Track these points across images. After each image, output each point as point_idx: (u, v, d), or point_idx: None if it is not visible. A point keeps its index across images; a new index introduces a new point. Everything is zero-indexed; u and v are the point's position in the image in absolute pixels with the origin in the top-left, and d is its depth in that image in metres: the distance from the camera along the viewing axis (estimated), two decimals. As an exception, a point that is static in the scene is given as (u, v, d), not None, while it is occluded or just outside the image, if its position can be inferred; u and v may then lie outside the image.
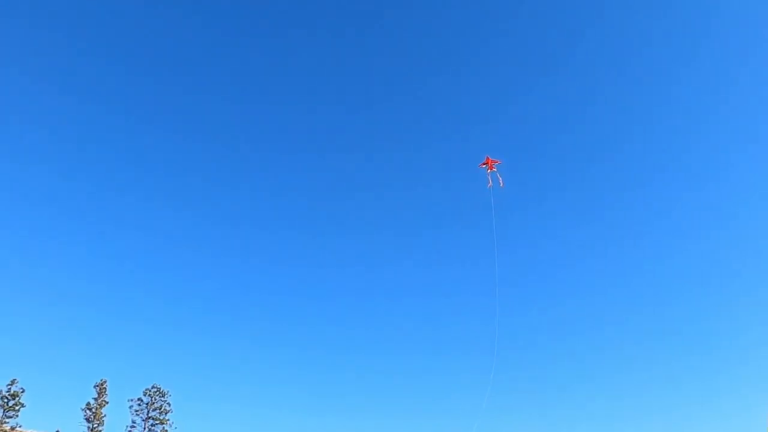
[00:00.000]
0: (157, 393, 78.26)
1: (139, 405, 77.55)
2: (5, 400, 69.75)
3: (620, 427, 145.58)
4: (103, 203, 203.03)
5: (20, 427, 72.29)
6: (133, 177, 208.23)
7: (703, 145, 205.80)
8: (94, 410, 74.48)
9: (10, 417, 69.73)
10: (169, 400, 78.82)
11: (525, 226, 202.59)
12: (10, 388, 70.46)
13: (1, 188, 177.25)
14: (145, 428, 76.61)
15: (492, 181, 38.57)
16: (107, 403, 75.77)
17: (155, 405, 77.85)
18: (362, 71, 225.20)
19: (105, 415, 75.17)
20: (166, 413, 77.71)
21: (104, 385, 76.27)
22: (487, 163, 38.63)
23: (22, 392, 70.87)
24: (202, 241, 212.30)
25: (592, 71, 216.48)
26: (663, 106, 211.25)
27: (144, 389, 78.47)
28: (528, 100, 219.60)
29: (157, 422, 76.88)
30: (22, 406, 70.64)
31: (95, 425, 73.93)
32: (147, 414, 77.24)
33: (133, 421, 76.76)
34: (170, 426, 77.67)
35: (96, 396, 75.48)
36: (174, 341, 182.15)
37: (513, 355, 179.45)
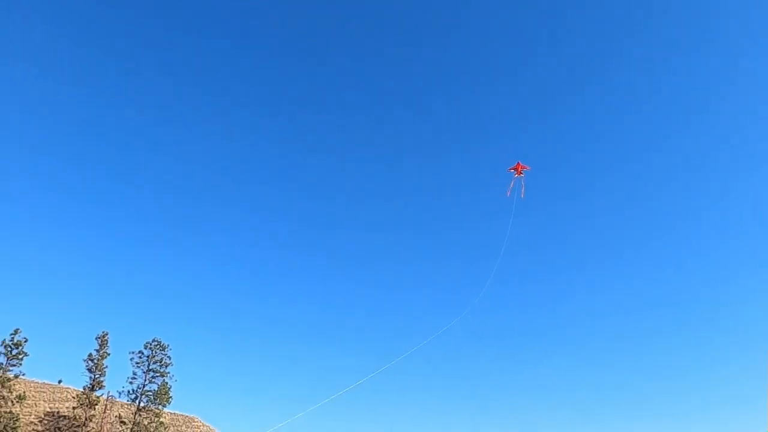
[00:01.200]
0: (158, 346, 79.35)
1: (140, 358, 78.74)
2: (8, 349, 70.66)
3: (621, 427, 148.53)
4: (107, 156, 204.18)
5: (23, 375, 73.54)
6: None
7: (722, 157, 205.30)
8: (95, 361, 75.72)
9: (14, 365, 70.76)
10: (169, 353, 79.98)
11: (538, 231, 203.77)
12: (13, 338, 71.17)
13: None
14: (145, 380, 78.01)
15: (514, 185, 37.89)
16: (109, 354, 76.96)
17: (156, 358, 79.03)
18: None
19: (107, 367, 76.49)
20: (166, 366, 79.00)
21: (106, 338, 77.34)
22: (516, 168, 38.12)
23: (25, 341, 71.60)
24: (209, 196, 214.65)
25: (619, 83, 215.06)
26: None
27: (145, 342, 79.65)
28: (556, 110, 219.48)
29: (158, 374, 78.21)
30: (26, 355, 71.56)
31: (97, 376, 75.30)
32: (148, 366, 78.52)
33: (134, 373, 78.07)
34: (170, 378, 79.05)
35: (98, 347, 76.63)
36: (175, 295, 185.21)
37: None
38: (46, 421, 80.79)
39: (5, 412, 67.81)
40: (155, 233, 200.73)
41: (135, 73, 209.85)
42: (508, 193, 38.04)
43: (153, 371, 78.31)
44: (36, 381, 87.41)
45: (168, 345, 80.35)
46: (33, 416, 78.22)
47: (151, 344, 79.48)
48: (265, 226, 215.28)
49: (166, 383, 78.48)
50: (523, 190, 38.19)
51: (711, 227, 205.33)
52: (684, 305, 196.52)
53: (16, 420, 69.00)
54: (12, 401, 69.11)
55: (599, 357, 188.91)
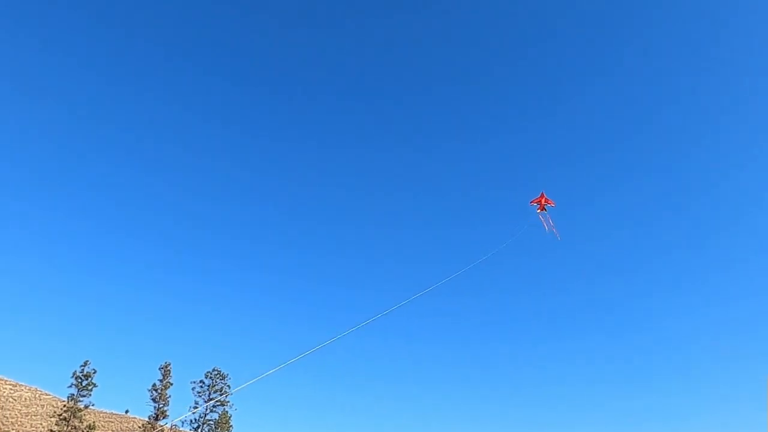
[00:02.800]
0: (218, 375, 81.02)
1: (201, 387, 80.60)
2: (79, 380, 73.57)
3: (621, 427, 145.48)
4: (171, 198, 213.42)
5: (93, 406, 76.40)
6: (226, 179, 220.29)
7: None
8: (159, 391, 77.79)
9: (84, 396, 73.60)
10: (228, 382, 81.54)
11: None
12: (83, 369, 74.13)
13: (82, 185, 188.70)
14: (206, 409, 79.57)
15: (546, 224, 33.76)
16: (171, 384, 79.05)
17: (216, 387, 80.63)
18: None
19: (170, 396, 78.47)
20: (226, 395, 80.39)
21: (168, 368, 79.52)
22: (539, 202, 33.94)
23: (94, 373, 74.43)
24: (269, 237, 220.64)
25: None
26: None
27: (205, 372, 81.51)
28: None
29: (218, 403, 79.69)
30: (95, 386, 74.28)
31: (161, 405, 77.32)
32: (208, 395, 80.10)
33: (196, 402, 79.83)
34: (230, 407, 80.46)
35: (161, 378, 78.78)
36: (234, 326, 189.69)
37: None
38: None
39: (77, 442, 70.33)
40: (213, 268, 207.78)
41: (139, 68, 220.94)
42: (547, 230, 33.88)
43: (213, 400, 79.79)
44: (105, 411, 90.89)
45: (228, 374, 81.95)
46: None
47: (211, 373, 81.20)
48: (314, 260, 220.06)
49: (227, 412, 79.77)
50: (553, 228, 33.35)
51: (711, 228, 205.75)
52: (684, 305, 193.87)
53: (87, 449, 71.42)
54: (83, 431, 71.63)
55: (599, 357, 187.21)
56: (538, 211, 33.73)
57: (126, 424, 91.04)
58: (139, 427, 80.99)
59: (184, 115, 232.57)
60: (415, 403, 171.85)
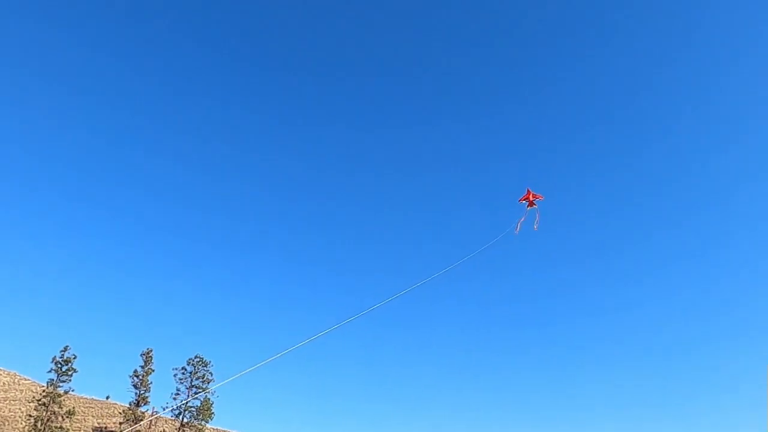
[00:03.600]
0: (200, 363, 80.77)
1: (183, 374, 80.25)
2: (59, 366, 73.02)
3: (621, 426, 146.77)
4: (157, 181, 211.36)
5: (73, 391, 75.86)
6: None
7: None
8: (141, 377, 77.47)
9: (63, 381, 73.10)
10: (211, 369, 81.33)
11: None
12: (62, 354, 73.61)
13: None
14: (188, 396, 79.30)
15: (526, 218, 32.86)
16: (153, 371, 78.75)
17: (198, 374, 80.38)
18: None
19: (151, 383, 78.20)
20: (208, 382, 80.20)
21: (150, 354, 79.19)
22: (528, 198, 33.34)
23: (74, 358, 73.96)
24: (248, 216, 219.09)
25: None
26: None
27: (188, 359, 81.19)
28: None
29: (200, 390, 79.48)
30: (75, 371, 73.80)
31: (142, 392, 77.00)
32: (190, 382, 79.88)
33: (178, 389, 79.57)
34: (212, 394, 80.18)
35: (143, 364, 78.45)
36: (215, 314, 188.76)
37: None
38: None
39: (56, 427, 69.86)
40: (196, 252, 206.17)
41: (137, 75, 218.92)
42: (517, 231, 32.87)
43: (195, 387, 79.60)
44: (85, 397, 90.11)
45: (210, 361, 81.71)
46: (82, 431, 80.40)
47: (193, 360, 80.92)
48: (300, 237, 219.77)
49: (209, 399, 79.58)
50: (536, 222, 33.35)
51: (711, 229, 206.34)
52: (684, 306, 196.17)
53: (66, 435, 70.99)
54: (62, 416, 71.18)
55: (599, 357, 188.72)
56: (528, 208, 33.48)
57: (107, 410, 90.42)
58: (120, 413, 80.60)
59: (177, 95, 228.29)
60: (411, 399, 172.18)
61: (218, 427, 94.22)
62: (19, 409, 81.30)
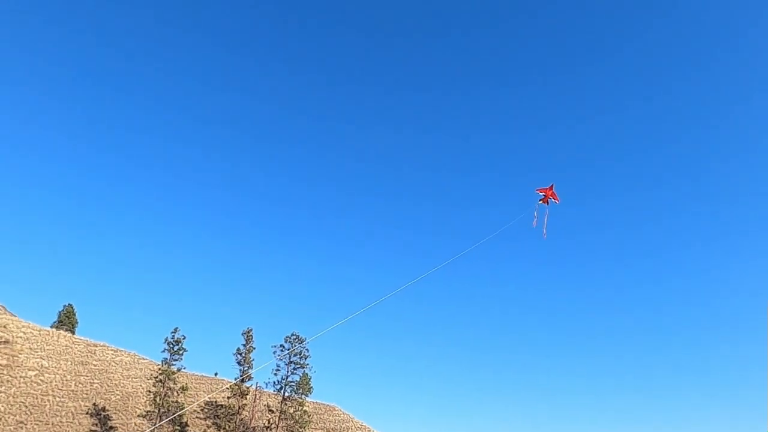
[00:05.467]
0: (296, 340, 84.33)
1: (282, 351, 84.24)
2: (171, 346, 79.05)
3: (621, 426, 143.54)
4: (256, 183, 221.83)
5: (185, 369, 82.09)
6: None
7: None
8: (243, 355, 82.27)
9: (176, 360, 79.16)
10: (307, 346, 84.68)
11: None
12: (173, 335, 79.53)
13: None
14: (288, 372, 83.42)
15: (538, 215, 32.12)
16: (254, 348, 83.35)
17: (295, 351, 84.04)
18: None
19: (253, 359, 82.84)
20: (305, 358, 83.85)
21: (250, 333, 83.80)
22: (545, 192, 32.32)
23: (183, 339, 79.79)
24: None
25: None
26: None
27: (285, 336, 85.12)
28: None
29: (298, 366, 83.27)
30: (185, 350, 79.66)
31: (245, 368, 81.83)
32: (289, 359, 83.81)
33: (278, 366, 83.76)
34: (310, 370, 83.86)
35: (244, 342, 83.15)
36: (311, 290, 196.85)
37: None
38: (206, 410, 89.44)
39: (172, 402, 76.02)
40: (283, 235, 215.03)
41: (142, 69, 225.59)
42: (535, 223, 31.89)
43: (294, 363, 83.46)
44: (195, 374, 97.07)
45: (305, 338, 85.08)
46: (195, 405, 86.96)
47: (290, 338, 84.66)
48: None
49: (307, 374, 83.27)
50: (545, 228, 31.80)
51: (710, 230, 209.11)
52: (684, 306, 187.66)
53: (181, 408, 77.03)
54: (177, 392, 77.25)
55: (599, 357, 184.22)
56: (540, 202, 32.16)
57: (215, 386, 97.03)
58: (227, 388, 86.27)
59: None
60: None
61: (318, 401, 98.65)
62: (140, 385, 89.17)
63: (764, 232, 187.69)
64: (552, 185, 32.13)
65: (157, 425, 71.08)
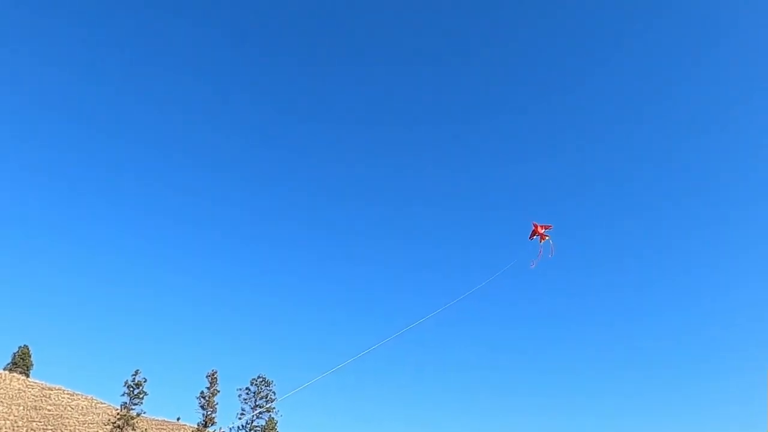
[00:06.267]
0: (263, 382, 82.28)
1: (247, 394, 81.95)
2: (131, 389, 76.19)
3: (621, 426, 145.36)
4: (209, 207, 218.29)
5: (145, 413, 78.93)
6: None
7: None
8: (207, 398, 79.68)
9: (136, 404, 76.17)
10: (274, 389, 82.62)
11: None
12: (134, 378, 76.74)
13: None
14: (253, 415, 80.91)
15: (542, 252, 31.24)
16: (219, 391, 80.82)
17: (261, 394, 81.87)
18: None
19: (217, 403, 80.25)
20: (271, 401, 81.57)
21: (215, 375, 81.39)
22: (537, 232, 31.61)
23: (144, 382, 77.00)
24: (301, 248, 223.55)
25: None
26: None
27: (251, 379, 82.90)
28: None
29: (264, 410, 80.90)
30: (146, 394, 76.84)
31: (209, 413, 79.15)
32: (254, 402, 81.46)
33: (243, 409, 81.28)
34: (276, 413, 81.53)
35: (209, 385, 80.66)
36: (276, 335, 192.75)
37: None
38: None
39: (130, 449, 72.77)
40: (254, 279, 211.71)
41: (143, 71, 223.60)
42: (533, 265, 30.97)
43: (259, 406, 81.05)
44: (156, 418, 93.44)
45: (273, 381, 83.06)
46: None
47: (256, 380, 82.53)
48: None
49: (273, 419, 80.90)
50: (552, 250, 30.96)
51: (710, 232, 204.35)
52: (684, 306, 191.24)
53: (140, 456, 73.78)
54: (136, 438, 74.06)
55: (599, 358, 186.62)
56: (541, 242, 31.91)
57: (177, 431, 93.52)
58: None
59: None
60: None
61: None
62: (97, 431, 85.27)
63: (764, 233, 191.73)
64: (534, 224, 31.82)
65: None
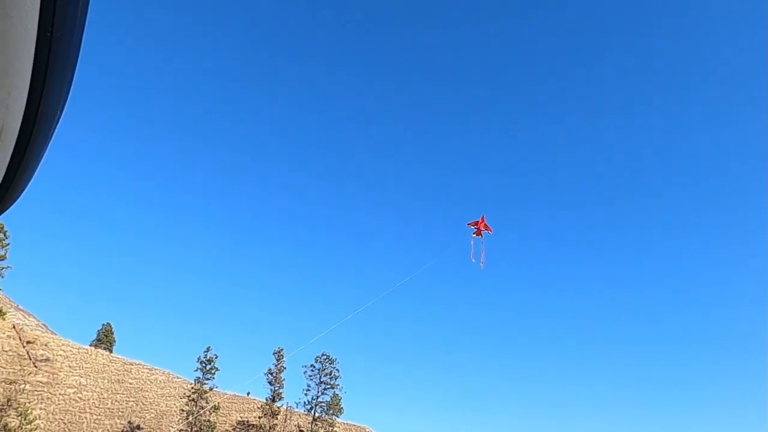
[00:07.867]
0: (327, 360, 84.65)
1: (312, 371, 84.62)
2: (203, 365, 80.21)
3: (621, 426, 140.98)
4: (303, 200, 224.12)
5: (217, 388, 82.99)
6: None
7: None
8: (274, 375, 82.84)
9: (208, 379, 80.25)
10: (337, 366, 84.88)
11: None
12: (206, 354, 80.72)
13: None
14: (318, 392, 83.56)
15: (475, 248, 31.06)
16: (285, 368, 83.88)
17: (326, 371, 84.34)
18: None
19: (284, 379, 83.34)
20: (335, 378, 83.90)
21: (281, 353, 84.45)
22: (478, 227, 31.45)
23: (216, 358, 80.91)
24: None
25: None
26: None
27: (315, 356, 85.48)
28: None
29: (328, 386, 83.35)
30: (217, 369, 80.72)
31: (276, 388, 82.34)
32: (319, 379, 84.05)
33: (308, 385, 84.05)
34: (339, 390, 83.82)
35: (275, 362, 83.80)
36: (341, 314, 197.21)
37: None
38: (238, 429, 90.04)
39: (204, 421, 76.84)
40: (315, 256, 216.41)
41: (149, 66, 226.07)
42: (473, 258, 30.75)
43: (324, 383, 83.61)
44: (227, 393, 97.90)
45: (336, 358, 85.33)
46: (227, 425, 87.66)
47: (320, 358, 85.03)
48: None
49: (337, 395, 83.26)
50: (483, 259, 30.62)
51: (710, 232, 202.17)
52: (684, 306, 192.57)
53: (213, 428, 77.83)
54: (209, 411, 78.11)
55: (599, 358, 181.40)
56: (474, 235, 31.20)
57: (247, 405, 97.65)
58: (259, 407, 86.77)
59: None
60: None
61: (349, 422, 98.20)
62: (174, 404, 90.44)
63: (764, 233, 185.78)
64: (482, 217, 31.62)
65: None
